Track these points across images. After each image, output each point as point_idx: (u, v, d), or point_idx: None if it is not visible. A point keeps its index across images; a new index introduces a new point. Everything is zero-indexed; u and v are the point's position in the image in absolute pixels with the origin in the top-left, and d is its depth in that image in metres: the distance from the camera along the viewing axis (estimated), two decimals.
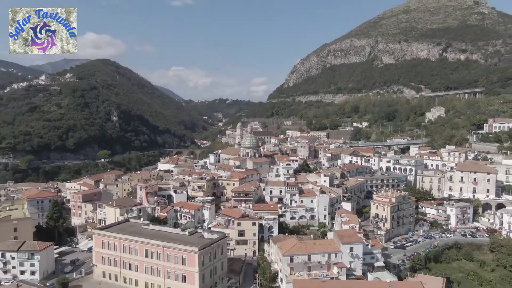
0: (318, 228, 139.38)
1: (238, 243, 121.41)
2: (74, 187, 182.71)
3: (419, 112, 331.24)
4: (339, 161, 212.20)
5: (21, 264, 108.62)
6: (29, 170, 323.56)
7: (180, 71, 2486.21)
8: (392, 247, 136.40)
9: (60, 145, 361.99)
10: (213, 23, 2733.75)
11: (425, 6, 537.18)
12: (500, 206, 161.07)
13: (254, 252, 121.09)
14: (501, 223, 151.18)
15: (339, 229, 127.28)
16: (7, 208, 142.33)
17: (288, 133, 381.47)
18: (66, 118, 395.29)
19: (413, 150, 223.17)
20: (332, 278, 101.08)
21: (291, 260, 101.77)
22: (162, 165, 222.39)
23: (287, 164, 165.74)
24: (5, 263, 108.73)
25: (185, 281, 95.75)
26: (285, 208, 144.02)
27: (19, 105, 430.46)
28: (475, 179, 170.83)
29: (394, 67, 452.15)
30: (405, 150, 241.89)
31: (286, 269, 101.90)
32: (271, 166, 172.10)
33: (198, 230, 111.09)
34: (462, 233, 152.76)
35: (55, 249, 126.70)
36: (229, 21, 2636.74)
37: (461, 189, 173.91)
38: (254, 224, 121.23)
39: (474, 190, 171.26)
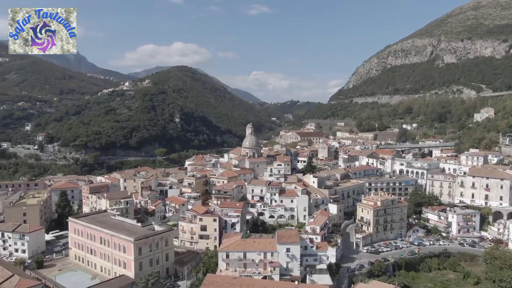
0: (294, 227, 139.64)
1: (201, 237, 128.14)
2: (101, 180, 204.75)
3: (472, 113, 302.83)
4: (357, 163, 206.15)
5: (15, 243, 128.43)
6: (95, 164, 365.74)
7: (260, 75, 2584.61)
8: (366, 251, 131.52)
9: (124, 143, 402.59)
10: (288, 30, 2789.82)
11: (497, 1, 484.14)
12: None
13: (215, 246, 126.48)
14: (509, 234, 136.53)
15: None
16: (30, 196, 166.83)
17: (338, 134, 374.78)
18: (132, 120, 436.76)
19: (435, 153, 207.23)
20: (265, 277, 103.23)
21: (227, 256, 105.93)
22: (188, 163, 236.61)
23: (278, 165, 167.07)
24: (4, 241, 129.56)
25: (125, 268, 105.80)
26: (264, 206, 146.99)
27: (99, 108, 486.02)
28: (487, 185, 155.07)
29: (455, 67, 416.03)
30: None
31: (221, 264, 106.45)
32: (268, 166, 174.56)
33: (152, 223, 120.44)
34: (461, 242, 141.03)
35: (56, 232, 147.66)
36: (304, 28, 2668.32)
37: (472, 195, 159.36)
38: (215, 220, 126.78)
39: (486, 197, 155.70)
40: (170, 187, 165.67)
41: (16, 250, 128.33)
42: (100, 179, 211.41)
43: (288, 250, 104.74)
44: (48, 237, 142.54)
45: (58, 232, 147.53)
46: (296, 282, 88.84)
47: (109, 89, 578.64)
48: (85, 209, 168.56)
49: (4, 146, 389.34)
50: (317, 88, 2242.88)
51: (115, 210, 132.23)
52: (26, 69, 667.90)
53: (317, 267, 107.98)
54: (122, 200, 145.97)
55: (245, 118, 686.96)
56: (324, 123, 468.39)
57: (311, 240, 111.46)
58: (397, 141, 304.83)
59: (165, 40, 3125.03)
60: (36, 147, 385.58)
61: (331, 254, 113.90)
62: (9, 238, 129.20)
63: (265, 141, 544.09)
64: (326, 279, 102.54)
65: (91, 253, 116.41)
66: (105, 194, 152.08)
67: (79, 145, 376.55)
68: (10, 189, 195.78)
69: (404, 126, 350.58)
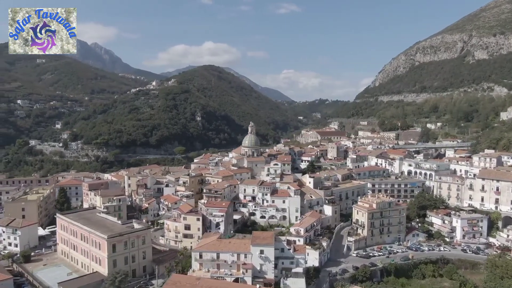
0: (285, 228, 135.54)
1: (185, 236, 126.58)
2: (107, 177, 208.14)
3: (500, 112, 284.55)
4: (366, 163, 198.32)
5: (8, 237, 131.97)
6: (115, 162, 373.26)
7: (291, 74, 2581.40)
8: (356, 255, 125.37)
9: (144, 141, 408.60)
10: (318, 28, 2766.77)
11: None
12: None
13: None
14: None
15: None
16: (33, 192, 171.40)
17: (360, 133, 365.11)
18: (154, 118, 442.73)
19: (448, 154, 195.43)
20: (237, 278, 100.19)
21: (200, 256, 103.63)
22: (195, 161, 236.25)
23: (275, 164, 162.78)
24: None
25: (100, 264, 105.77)
26: (255, 206, 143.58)
27: (124, 107, 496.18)
28: (497, 188, 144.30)
29: (487, 63, 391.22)
30: None
31: (194, 264, 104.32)
32: (266, 166, 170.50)
33: (133, 221, 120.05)
34: (464, 248, 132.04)
35: (52, 227, 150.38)
36: (334, 25, 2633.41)
37: (482, 199, 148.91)
38: (198, 219, 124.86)
39: (496, 201, 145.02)
40: (167, 185, 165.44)
41: (10, 244, 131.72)
42: (107, 176, 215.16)
43: (261, 252, 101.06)
44: (44, 232, 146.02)
45: (54, 227, 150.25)
46: (258, 286, 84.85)
47: (136, 89, 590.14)
48: (85, 206, 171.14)
49: (32, 143, 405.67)
50: (349, 87, 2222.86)
51: (103, 207, 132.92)
52: (60, 69, 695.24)
53: (294, 270, 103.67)
54: (114, 198, 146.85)
55: (270, 117, 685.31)
56: (348, 122, 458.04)
57: (288, 242, 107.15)
58: (419, 141, 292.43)
59: (196, 40, 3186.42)
60: (61, 144, 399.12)
61: (313, 257, 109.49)
62: (3, 232, 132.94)
63: (288, 140, 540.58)
64: (301, 283, 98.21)
65: (74, 249, 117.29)
66: (99, 191, 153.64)
67: (101, 143, 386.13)
68: (22, 184, 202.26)
69: (428, 125, 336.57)
